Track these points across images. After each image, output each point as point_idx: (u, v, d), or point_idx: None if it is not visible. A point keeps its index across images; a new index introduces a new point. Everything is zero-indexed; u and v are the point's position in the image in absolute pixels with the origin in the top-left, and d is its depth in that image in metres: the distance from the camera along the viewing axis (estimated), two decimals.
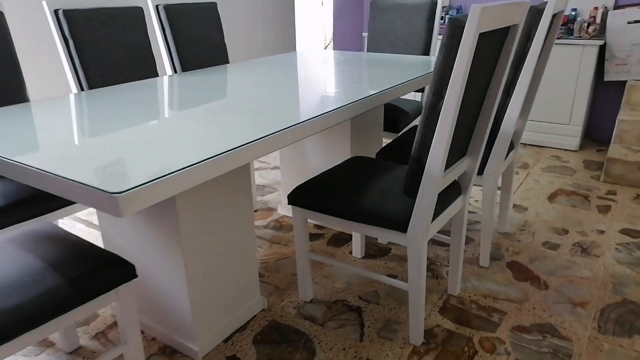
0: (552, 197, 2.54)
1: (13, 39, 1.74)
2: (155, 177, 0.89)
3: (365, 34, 3.95)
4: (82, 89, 1.91)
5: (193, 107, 1.42)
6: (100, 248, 1.19)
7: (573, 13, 3.21)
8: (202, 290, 1.42)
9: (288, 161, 2.27)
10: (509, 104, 1.65)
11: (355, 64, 2.17)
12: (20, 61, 1.90)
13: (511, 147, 1.92)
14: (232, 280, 1.53)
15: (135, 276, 1.17)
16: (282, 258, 2.00)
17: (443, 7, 3.72)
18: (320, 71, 2.00)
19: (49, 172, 0.93)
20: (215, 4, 2.45)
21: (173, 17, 2.23)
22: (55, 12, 1.86)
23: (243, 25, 3.75)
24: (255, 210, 2.45)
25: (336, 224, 1.49)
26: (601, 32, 3.13)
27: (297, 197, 1.54)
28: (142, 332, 1.58)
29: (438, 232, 2.01)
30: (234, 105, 1.44)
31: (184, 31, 2.27)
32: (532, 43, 1.54)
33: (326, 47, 6.55)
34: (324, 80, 1.79)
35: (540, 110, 3.27)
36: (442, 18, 3.66)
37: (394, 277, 1.85)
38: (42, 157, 1.02)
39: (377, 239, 2.14)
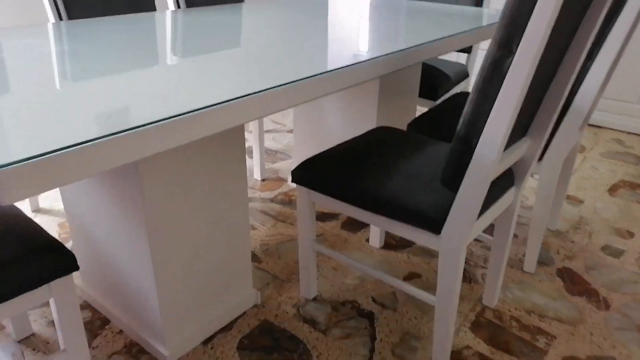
0: (613, 190, 2.14)
1: None
2: (44, 153, 0.57)
3: None
4: (60, 19, 1.60)
5: (187, 54, 1.09)
6: (37, 230, 0.91)
7: None
8: (174, 279, 1.14)
9: (303, 126, 1.93)
10: (590, 70, 1.26)
11: (393, 11, 1.78)
12: None
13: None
14: (217, 267, 1.24)
15: (75, 268, 0.88)
16: (287, 240, 1.70)
17: None
18: (350, 17, 1.62)
19: None
20: None
21: None
22: None
23: None
24: (263, 180, 2.14)
25: (350, 212, 1.17)
26: None
27: (303, 175, 1.22)
28: (109, 321, 1.32)
29: None
30: (232, 53, 1.10)
31: None
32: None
33: None
34: (352, 28, 1.42)
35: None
36: None
37: (418, 276, 1.53)
38: None
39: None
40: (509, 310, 1.39)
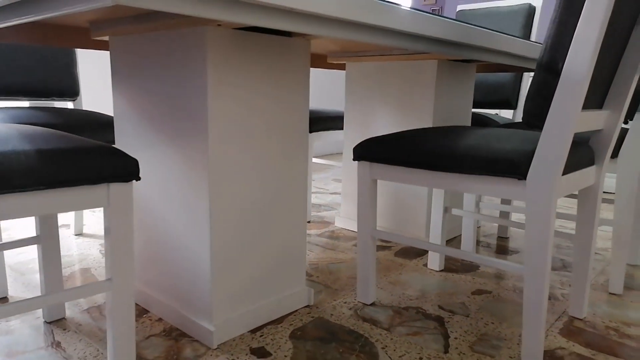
0: None
1: None
2: None
3: None
4: None
5: None
6: (103, 141, 0.88)
7: None
8: (230, 257, 1.04)
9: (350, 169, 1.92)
10: None
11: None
12: None
13: None
14: (273, 254, 1.14)
15: (138, 177, 0.83)
16: (337, 262, 1.57)
17: None
18: None
19: None
20: None
21: None
22: None
23: None
24: (309, 222, 2.07)
25: (418, 179, 1.09)
26: None
27: (366, 149, 1.17)
28: (146, 311, 1.19)
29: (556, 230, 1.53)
30: None
31: None
32: None
33: None
34: None
35: None
36: None
37: (487, 292, 1.36)
38: None
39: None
40: (603, 322, 1.19)
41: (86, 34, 1.28)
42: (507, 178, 0.96)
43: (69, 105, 1.86)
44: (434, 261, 1.53)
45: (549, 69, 0.90)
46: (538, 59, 0.92)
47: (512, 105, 2.30)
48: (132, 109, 1.14)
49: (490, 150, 0.97)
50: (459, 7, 2.43)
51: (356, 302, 1.27)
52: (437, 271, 1.51)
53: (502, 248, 1.77)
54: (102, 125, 1.41)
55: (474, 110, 3.29)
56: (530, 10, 2.23)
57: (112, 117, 1.56)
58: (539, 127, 0.93)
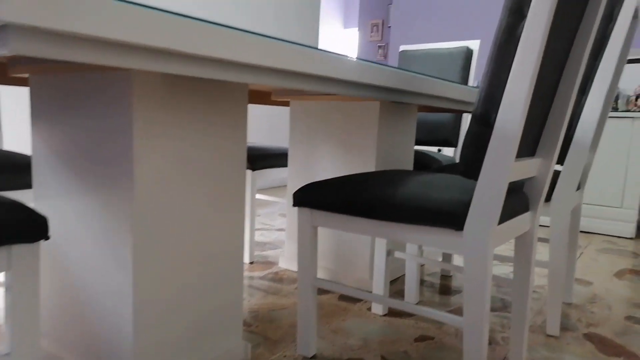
0: (619, 275, 2.04)
1: None
2: None
3: None
4: None
5: None
6: (6, 197, 0.79)
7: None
8: (155, 307, 0.96)
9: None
10: (585, 105, 1.30)
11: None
12: None
13: (577, 185, 1.52)
14: (205, 303, 1.06)
15: (46, 237, 0.74)
16: (279, 309, 1.50)
17: None
18: None
19: None
20: None
21: None
22: None
23: None
24: (251, 262, 1.99)
25: (358, 227, 1.06)
26: None
27: (306, 195, 1.13)
28: None
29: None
30: None
31: None
32: (616, 25, 1.24)
33: None
34: None
35: (586, 191, 2.89)
36: None
37: (430, 338, 1.33)
38: None
39: (403, 297, 1.65)
40: None
41: (4, 69, 1.18)
42: (444, 229, 0.94)
43: None
44: (378, 306, 1.50)
45: (483, 121, 0.90)
46: (473, 110, 0.92)
47: (453, 144, 2.36)
48: (52, 152, 1.05)
49: (428, 200, 0.95)
50: (402, 47, 2.50)
51: (296, 355, 1.21)
52: (380, 315, 1.48)
53: (445, 287, 1.76)
54: (20, 167, 1.30)
55: (417, 147, 3.35)
56: (468, 53, 2.32)
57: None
58: (475, 177, 0.93)
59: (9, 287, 0.71)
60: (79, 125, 0.97)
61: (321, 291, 1.66)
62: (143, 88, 0.88)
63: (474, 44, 2.34)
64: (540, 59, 0.85)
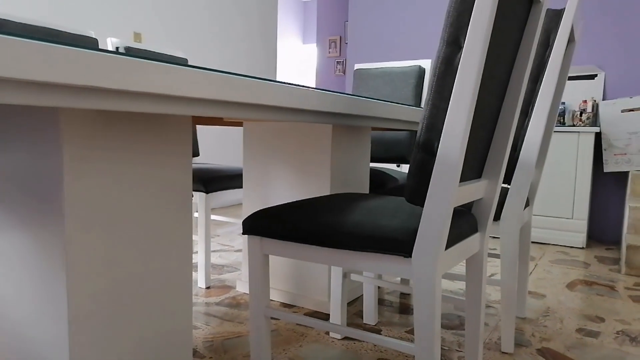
0: (571, 286, 2.10)
1: None
2: None
3: None
4: None
5: None
6: None
7: (562, 107, 3.12)
8: (92, 350, 0.91)
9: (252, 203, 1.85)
10: (529, 126, 1.34)
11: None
12: None
13: (526, 202, 1.56)
14: (150, 342, 1.02)
15: None
16: (234, 337, 1.46)
17: None
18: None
19: None
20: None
21: None
22: None
23: None
24: (208, 287, 1.94)
25: (308, 255, 1.04)
26: (595, 120, 3.00)
27: (255, 223, 1.11)
28: None
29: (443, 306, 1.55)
30: None
31: None
32: (553, 50, 1.28)
33: None
34: None
35: (539, 203, 2.99)
36: None
37: None
38: None
39: (362, 318, 1.64)
40: None
41: None
42: (393, 255, 0.94)
43: None
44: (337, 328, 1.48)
45: (426, 149, 0.91)
46: (416, 138, 0.93)
47: (408, 161, 2.39)
48: None
49: (375, 227, 0.95)
50: (356, 66, 2.53)
51: None
52: (339, 339, 1.46)
53: (404, 306, 1.77)
54: None
55: (376, 165, 3.38)
56: (421, 72, 2.37)
57: None
58: (421, 203, 0.94)
59: None
60: (5, 161, 0.92)
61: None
62: (72, 124, 0.84)
63: (426, 63, 2.40)
64: (478, 88, 0.87)
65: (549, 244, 2.98)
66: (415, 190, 0.93)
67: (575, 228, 2.89)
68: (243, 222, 1.14)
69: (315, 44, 7.16)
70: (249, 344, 1.41)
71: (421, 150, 0.92)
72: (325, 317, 1.64)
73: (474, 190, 1.07)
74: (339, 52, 5.53)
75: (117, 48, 1.89)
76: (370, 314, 1.61)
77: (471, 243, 1.13)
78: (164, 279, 1.04)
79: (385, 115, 1.35)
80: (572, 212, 2.89)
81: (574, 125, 2.90)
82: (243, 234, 1.14)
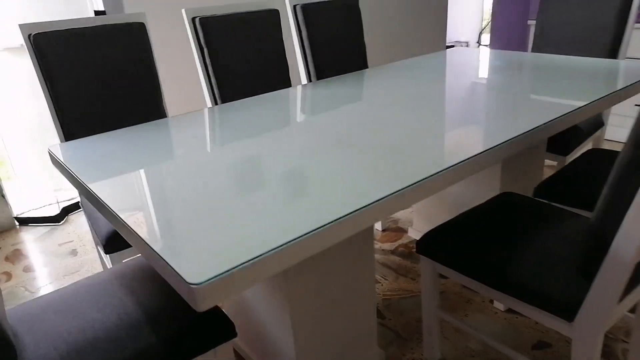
0: None
1: (153, 51, 1.74)
2: (239, 264, 0.72)
3: (531, 23, 3.37)
4: (215, 101, 1.87)
5: (316, 144, 1.24)
6: None
7: None
8: (309, 336, 1.26)
9: None
10: None
11: (515, 72, 1.78)
12: (160, 73, 1.93)
13: None
14: (345, 327, 1.34)
15: (235, 335, 1.04)
16: (408, 296, 1.75)
17: None
18: (468, 85, 1.66)
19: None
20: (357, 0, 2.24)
21: (310, 17, 2.08)
22: (193, 20, 1.83)
23: (387, 17, 3.48)
24: (384, 230, 2.23)
25: (476, 287, 1.20)
26: None
27: (428, 247, 1.28)
28: None
29: None
30: (358, 141, 1.22)
31: (321, 33, 2.11)
32: None
33: (481, 31, 5.93)
34: (471, 103, 1.47)
35: None
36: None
37: (548, 345, 1.48)
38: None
39: None
40: None
41: None
42: (556, 315, 1.04)
43: None
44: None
45: (600, 239, 0.93)
46: (590, 224, 0.94)
47: None
48: None
49: (541, 286, 1.04)
50: None
51: (423, 358, 1.47)
52: (502, 311, 1.64)
53: None
54: None
55: None
56: None
57: None
58: (590, 279, 0.98)
59: None
60: None
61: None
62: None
63: None
64: None
65: None
66: (585, 270, 0.98)
67: None
68: (417, 243, 1.31)
69: None
70: (420, 306, 1.68)
71: (594, 237, 0.94)
72: None
73: None
74: None
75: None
76: None
77: None
78: (354, 292, 1.32)
79: (564, 127, 1.29)
80: None
81: None
82: (417, 252, 1.32)
